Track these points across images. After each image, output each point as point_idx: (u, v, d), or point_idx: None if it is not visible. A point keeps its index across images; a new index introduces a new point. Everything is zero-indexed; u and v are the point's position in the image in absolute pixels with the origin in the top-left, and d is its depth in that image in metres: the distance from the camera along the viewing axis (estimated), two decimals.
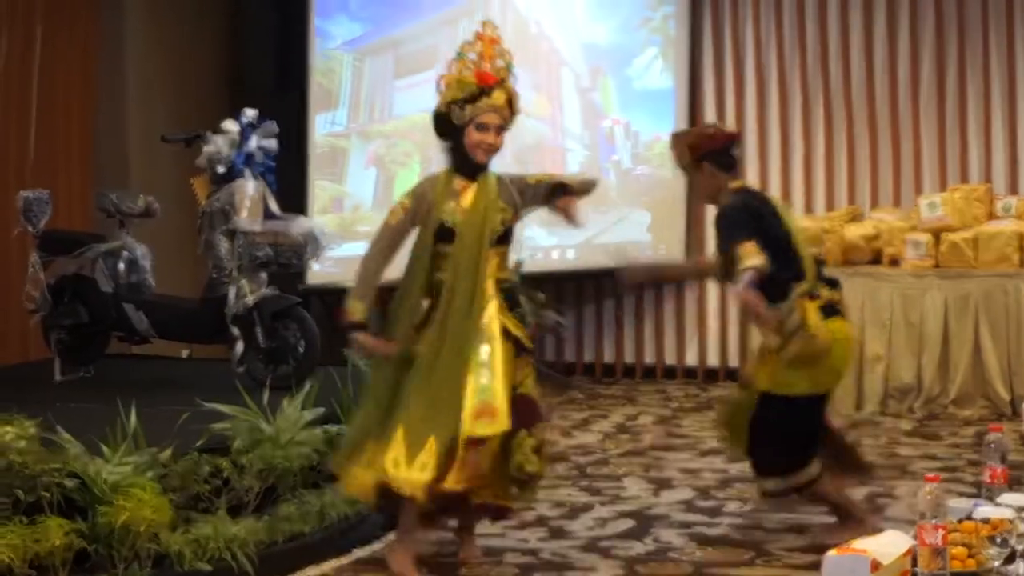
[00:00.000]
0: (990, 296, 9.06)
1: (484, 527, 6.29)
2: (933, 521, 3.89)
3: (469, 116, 5.65)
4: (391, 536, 6.32)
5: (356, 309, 5.61)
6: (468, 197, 5.71)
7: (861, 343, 9.26)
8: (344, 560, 6.02)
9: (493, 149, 5.74)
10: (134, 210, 7.69)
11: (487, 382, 5.58)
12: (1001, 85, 9.89)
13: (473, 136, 5.67)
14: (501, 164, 9.98)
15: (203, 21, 9.86)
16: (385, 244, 5.71)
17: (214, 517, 5.63)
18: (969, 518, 4.31)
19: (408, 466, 5.52)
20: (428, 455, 5.51)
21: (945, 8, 9.96)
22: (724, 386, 9.98)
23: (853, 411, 9.23)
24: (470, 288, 5.63)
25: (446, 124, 5.72)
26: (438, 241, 5.68)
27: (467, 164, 5.73)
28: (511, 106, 5.75)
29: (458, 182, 5.73)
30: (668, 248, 10.50)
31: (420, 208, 5.69)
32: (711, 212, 6.64)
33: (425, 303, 5.72)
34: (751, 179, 10.31)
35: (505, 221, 5.78)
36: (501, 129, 5.74)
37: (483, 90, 5.64)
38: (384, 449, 5.59)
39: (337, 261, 9.39)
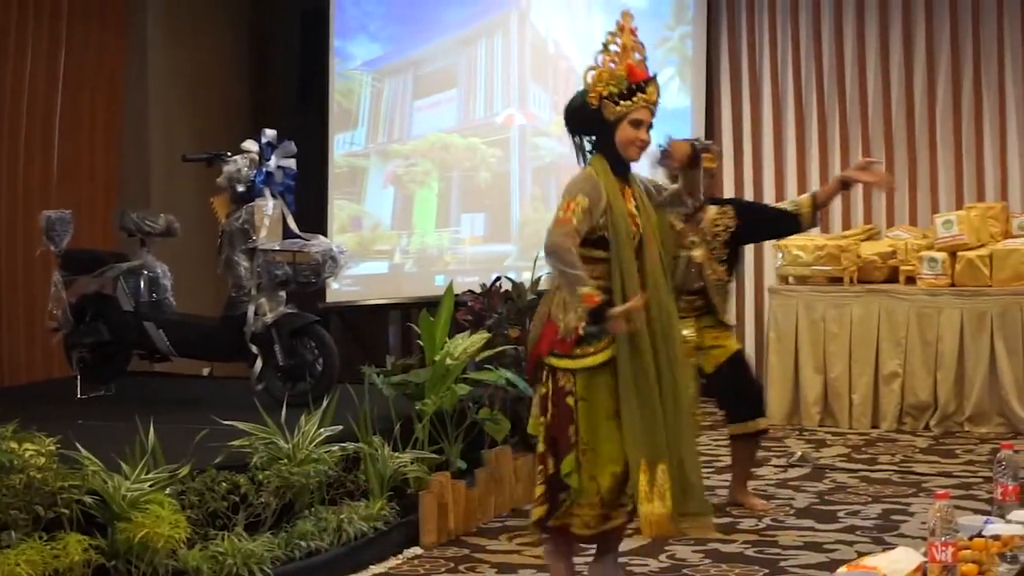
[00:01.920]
0: (1006, 314, 9.07)
1: (499, 544, 6.34)
2: (943, 538, 3.92)
3: (623, 112, 5.20)
4: (411, 552, 6.38)
5: (592, 291, 5.03)
6: (630, 201, 5.26)
7: (877, 360, 9.32)
8: None
9: (646, 146, 5.32)
10: (155, 229, 7.75)
11: None
12: (1017, 103, 9.88)
13: (628, 132, 5.21)
14: (520, 182, 10.19)
15: (224, 42, 9.94)
16: (572, 243, 5.10)
17: (232, 533, 5.67)
18: (980, 535, 4.34)
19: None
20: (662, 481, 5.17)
21: (961, 27, 9.97)
22: None
23: (869, 428, 9.25)
24: (669, 300, 5.28)
25: (594, 119, 5.23)
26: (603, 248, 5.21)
27: (620, 163, 5.26)
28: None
29: (618, 184, 5.23)
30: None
31: (595, 211, 5.14)
32: None
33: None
34: (768, 197, 10.39)
35: (672, 225, 5.78)
36: (651, 127, 5.31)
37: (638, 85, 5.19)
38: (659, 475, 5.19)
39: (356, 280, 9.48)
